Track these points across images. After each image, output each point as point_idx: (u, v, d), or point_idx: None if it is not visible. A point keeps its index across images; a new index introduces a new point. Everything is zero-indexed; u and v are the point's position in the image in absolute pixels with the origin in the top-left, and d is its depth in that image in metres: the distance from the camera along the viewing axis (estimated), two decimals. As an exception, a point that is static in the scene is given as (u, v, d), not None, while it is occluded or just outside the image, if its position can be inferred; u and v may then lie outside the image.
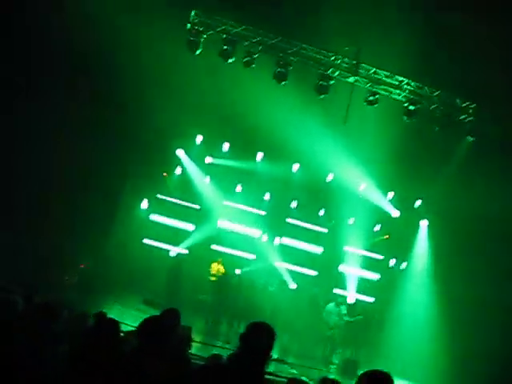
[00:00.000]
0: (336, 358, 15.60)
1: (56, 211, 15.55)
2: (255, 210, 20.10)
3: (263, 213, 20.16)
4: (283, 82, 13.98)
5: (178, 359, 5.00)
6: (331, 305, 15.84)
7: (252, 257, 19.64)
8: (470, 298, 16.98)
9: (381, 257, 20.48)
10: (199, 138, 18.82)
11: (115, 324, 5.05)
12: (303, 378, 6.13)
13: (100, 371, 4.18)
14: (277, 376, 10.03)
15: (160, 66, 13.94)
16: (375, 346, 16.86)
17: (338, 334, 15.61)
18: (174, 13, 12.92)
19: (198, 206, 19.62)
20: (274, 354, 13.30)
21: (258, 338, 3.61)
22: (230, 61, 13.64)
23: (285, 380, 6.10)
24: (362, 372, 3.63)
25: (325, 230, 20.42)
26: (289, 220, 20.38)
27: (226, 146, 18.90)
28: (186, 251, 18.84)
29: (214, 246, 19.31)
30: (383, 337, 17.18)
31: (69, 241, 15.10)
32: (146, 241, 18.94)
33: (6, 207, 14.36)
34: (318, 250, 20.28)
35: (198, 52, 13.48)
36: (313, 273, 19.98)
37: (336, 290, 19.11)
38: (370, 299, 19.86)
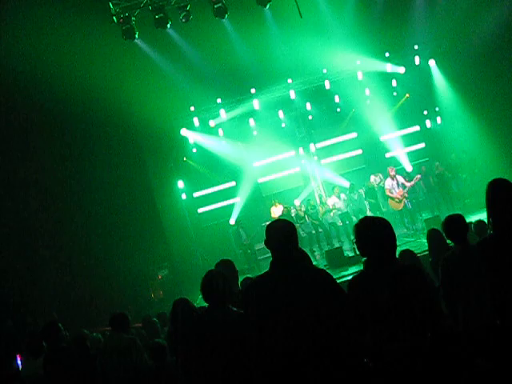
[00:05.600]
0: (418, 224, 15.57)
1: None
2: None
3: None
4: (226, 15, 13.77)
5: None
6: (388, 180, 15.71)
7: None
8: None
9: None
10: (192, 109, 18.89)
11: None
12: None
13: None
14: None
15: (108, 67, 14.02)
16: (448, 194, 16.75)
17: (409, 203, 15.53)
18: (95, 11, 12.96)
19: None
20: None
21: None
22: (168, 26, 13.50)
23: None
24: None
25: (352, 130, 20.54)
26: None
27: (219, 101, 18.88)
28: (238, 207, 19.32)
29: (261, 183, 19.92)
30: (452, 183, 16.97)
31: (134, 259, 15.56)
32: (200, 210, 19.78)
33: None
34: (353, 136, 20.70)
35: (136, 36, 13.37)
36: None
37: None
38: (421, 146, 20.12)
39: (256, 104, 19.08)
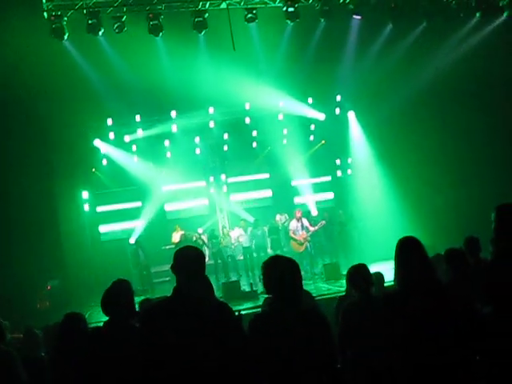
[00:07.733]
0: (317, 268, 15.96)
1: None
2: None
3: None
4: (160, 34, 13.71)
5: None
6: (293, 222, 16.01)
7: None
8: (419, 169, 17.48)
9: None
10: (110, 121, 18.40)
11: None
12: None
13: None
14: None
15: (31, 63, 13.50)
16: (348, 243, 17.20)
17: (310, 247, 15.88)
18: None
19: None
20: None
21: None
22: (100, 33, 13.25)
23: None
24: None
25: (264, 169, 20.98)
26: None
27: (137, 118, 18.48)
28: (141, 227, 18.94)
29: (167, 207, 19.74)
30: (353, 232, 17.48)
31: (23, 265, 14.77)
32: (102, 229, 19.21)
33: None
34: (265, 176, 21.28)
35: (65, 37, 13.01)
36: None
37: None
38: (330, 195, 20.77)
39: (174, 127, 18.89)
